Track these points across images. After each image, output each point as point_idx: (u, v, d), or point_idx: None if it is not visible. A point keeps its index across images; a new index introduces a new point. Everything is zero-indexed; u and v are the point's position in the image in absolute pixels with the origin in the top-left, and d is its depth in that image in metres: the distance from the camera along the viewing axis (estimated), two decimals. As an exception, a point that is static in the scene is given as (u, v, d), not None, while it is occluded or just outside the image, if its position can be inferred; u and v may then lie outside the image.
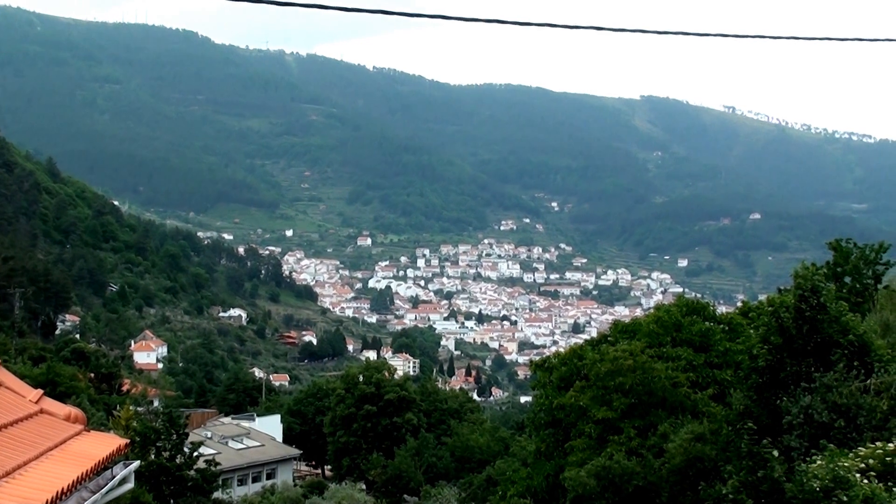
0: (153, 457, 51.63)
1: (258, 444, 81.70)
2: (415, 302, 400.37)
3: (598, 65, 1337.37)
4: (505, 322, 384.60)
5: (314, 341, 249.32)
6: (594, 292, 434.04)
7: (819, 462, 18.72)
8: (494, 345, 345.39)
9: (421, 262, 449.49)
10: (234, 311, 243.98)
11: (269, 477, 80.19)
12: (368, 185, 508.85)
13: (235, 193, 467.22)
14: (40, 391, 16.79)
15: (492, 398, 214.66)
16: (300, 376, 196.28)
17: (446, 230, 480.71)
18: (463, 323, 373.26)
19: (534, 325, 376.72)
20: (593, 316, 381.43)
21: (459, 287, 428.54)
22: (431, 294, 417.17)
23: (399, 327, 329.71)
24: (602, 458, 30.70)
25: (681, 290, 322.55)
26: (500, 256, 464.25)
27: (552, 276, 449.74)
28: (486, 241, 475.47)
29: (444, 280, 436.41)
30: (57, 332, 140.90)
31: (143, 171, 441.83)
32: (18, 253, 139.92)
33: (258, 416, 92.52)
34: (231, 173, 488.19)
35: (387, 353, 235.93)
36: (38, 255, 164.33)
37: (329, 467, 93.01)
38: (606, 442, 32.64)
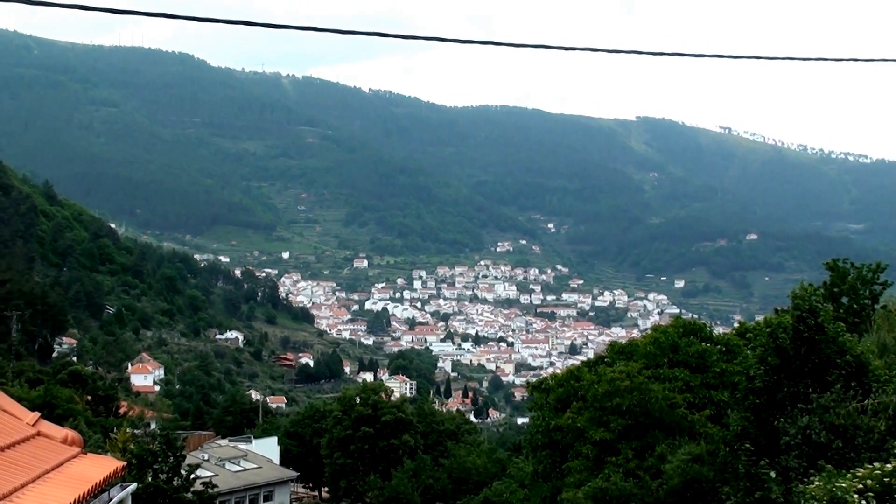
0: (150, 479, 51.42)
1: (255, 466, 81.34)
2: (411, 324, 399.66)
3: (594, 86, 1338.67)
4: (502, 343, 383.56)
5: (311, 363, 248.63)
6: (591, 313, 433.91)
7: (817, 483, 18.67)
8: (491, 366, 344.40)
9: (417, 284, 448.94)
10: (231, 334, 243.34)
11: (266, 499, 79.79)
12: (365, 206, 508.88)
13: (232, 216, 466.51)
14: (37, 414, 16.77)
15: (489, 420, 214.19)
16: (297, 398, 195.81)
17: (443, 252, 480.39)
18: (459, 345, 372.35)
19: (530, 346, 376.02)
20: (590, 337, 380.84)
21: (456, 309, 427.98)
22: (428, 316, 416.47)
23: (396, 349, 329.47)
24: (599, 479, 30.69)
25: (677, 311, 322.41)
26: (496, 278, 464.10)
27: (549, 298, 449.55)
28: (482, 262, 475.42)
29: (441, 302, 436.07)
30: (54, 354, 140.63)
31: (140, 194, 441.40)
32: (15, 276, 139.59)
33: (255, 438, 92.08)
34: (227, 196, 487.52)
35: (384, 375, 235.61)
36: (35, 278, 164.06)
37: (326, 489, 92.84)
38: (604, 463, 32.63)
